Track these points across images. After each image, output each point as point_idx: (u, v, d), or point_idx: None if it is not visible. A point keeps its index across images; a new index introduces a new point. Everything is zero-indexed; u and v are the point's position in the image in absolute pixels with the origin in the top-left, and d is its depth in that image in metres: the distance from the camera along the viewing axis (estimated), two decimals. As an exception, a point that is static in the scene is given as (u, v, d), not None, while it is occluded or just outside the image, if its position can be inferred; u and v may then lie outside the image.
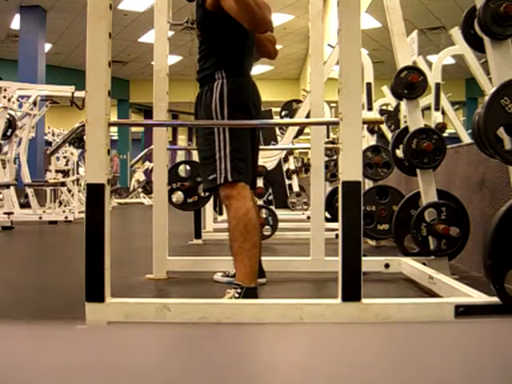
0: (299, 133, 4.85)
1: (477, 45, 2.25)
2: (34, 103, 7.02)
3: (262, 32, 2.15)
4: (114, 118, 13.08)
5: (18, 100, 6.82)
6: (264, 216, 4.02)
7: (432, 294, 2.25)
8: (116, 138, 17.57)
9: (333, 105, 5.72)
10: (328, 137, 6.01)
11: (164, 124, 2.94)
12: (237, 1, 1.89)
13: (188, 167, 3.87)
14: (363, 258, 1.73)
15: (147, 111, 18.44)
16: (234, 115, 2.12)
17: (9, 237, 5.25)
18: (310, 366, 0.37)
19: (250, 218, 2.05)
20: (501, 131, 1.79)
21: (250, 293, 2.02)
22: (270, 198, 6.68)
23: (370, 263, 2.70)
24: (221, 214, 5.90)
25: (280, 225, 4.28)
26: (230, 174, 2.07)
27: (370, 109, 4.21)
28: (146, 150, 5.25)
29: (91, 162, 1.66)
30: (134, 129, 18.97)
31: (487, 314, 1.76)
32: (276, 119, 6.37)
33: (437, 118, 4.84)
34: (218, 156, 2.09)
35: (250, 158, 2.18)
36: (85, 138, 1.70)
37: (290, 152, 7.22)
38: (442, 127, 4.70)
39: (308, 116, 3.56)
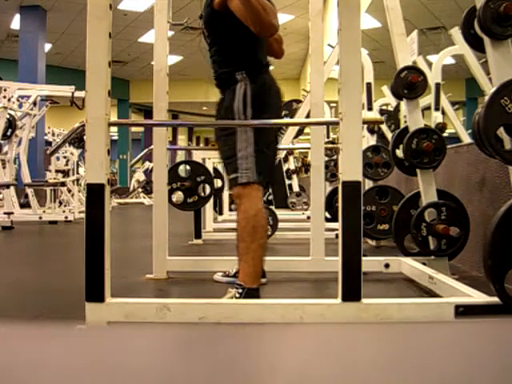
0: (299, 133, 4.85)
1: (477, 45, 2.25)
2: (34, 103, 7.02)
3: (268, 37, 2.13)
4: (114, 118, 13.08)
5: (18, 100, 6.81)
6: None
7: (432, 294, 2.25)
8: (116, 137, 17.57)
9: (333, 105, 5.73)
10: (328, 137, 6.01)
11: (164, 124, 2.94)
12: (244, 4, 1.86)
13: (188, 167, 3.87)
14: (363, 258, 1.73)
15: (147, 111, 18.45)
16: (256, 116, 2.10)
17: (9, 237, 5.25)
18: (310, 365, 0.37)
19: (259, 220, 2.05)
20: (501, 131, 1.79)
21: (251, 294, 2.01)
22: (270, 197, 6.68)
23: (370, 263, 2.70)
24: (221, 213, 5.90)
25: (280, 225, 4.28)
26: (252, 175, 2.06)
27: (370, 109, 4.21)
28: (146, 149, 5.26)
29: (91, 162, 1.66)
30: (133, 129, 18.98)
31: (487, 314, 1.76)
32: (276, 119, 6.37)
33: (437, 117, 4.84)
34: (240, 155, 2.07)
35: (269, 159, 2.18)
36: (85, 137, 1.70)
37: (290, 152, 7.22)
38: (442, 127, 4.71)
39: (308, 116, 3.56)
